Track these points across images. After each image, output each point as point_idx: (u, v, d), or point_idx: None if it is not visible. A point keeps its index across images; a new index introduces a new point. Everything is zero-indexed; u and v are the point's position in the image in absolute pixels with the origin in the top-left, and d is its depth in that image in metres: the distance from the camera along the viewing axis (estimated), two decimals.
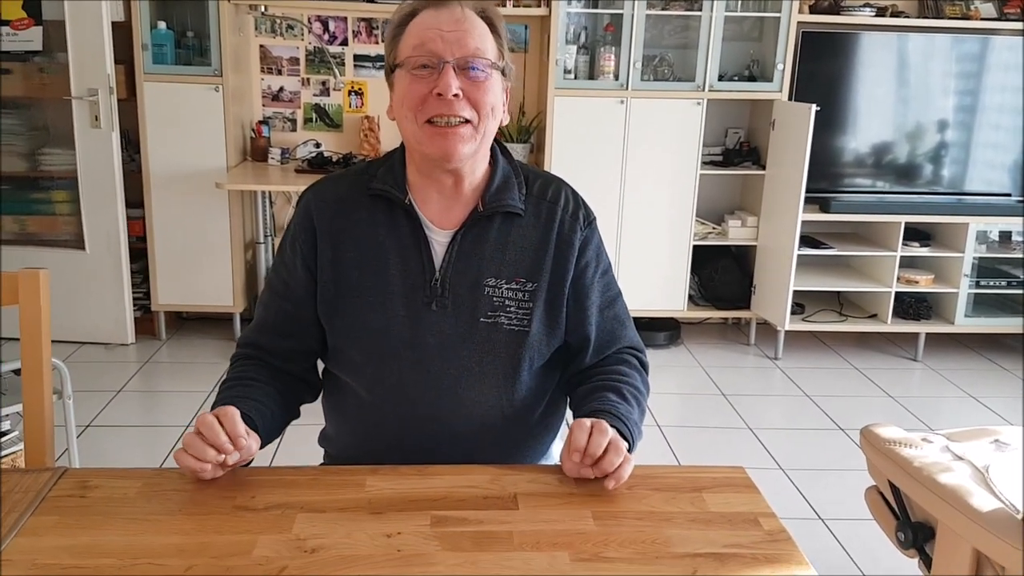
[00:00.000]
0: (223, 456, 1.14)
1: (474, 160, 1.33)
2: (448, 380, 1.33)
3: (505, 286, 1.34)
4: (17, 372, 2.30)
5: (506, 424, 1.38)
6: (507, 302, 1.34)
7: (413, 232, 1.34)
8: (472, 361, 1.33)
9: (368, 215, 1.35)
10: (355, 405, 1.40)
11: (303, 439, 1.70)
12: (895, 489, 1.82)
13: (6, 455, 2.24)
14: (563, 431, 1.49)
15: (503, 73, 1.32)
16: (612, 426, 1.25)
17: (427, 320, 1.32)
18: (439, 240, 1.34)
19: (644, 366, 1.46)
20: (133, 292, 3.90)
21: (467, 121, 1.27)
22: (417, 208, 1.35)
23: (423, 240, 1.34)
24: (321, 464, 1.52)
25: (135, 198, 3.85)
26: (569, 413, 1.45)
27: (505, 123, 1.36)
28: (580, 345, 1.42)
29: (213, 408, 1.30)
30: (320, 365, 1.47)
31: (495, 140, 1.38)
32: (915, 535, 1.77)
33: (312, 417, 1.52)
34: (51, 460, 1.43)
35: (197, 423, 1.16)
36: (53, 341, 1.44)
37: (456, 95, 1.24)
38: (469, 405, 1.35)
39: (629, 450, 1.28)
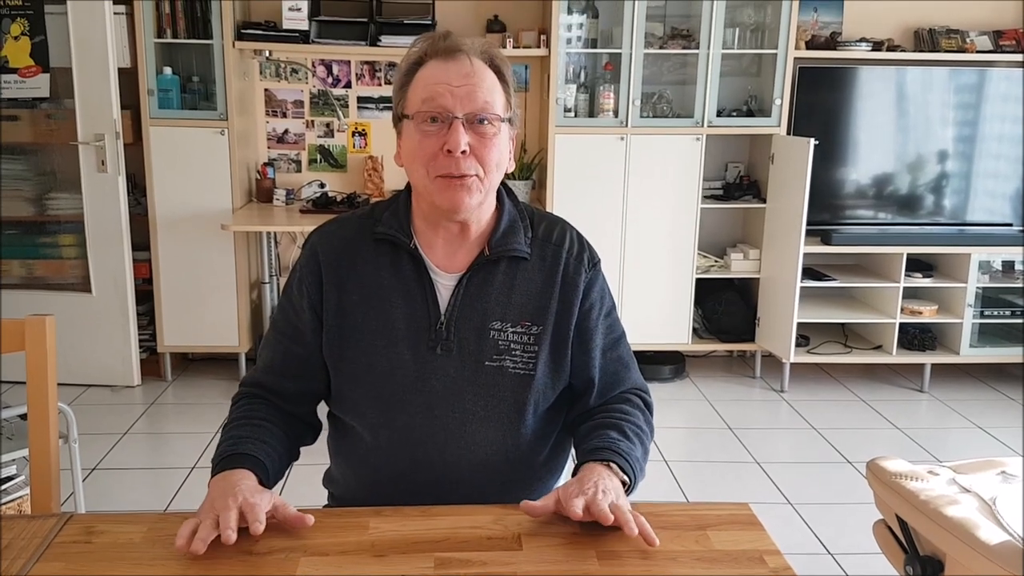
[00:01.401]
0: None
1: (480, 210, 1.34)
2: (453, 424, 1.33)
3: (511, 329, 1.34)
4: (23, 417, 2.31)
5: (511, 467, 1.38)
6: (512, 345, 1.34)
7: (418, 276, 1.35)
8: (477, 405, 1.33)
9: (373, 259, 1.35)
10: (360, 447, 1.40)
11: (307, 480, 1.70)
12: (903, 523, 1.81)
13: (12, 500, 2.24)
14: (568, 469, 1.49)
15: (510, 122, 1.32)
16: (613, 462, 1.25)
17: (432, 364, 1.33)
18: (444, 284, 1.35)
19: (648, 406, 1.45)
20: (139, 334, 3.91)
21: (474, 174, 1.28)
22: (422, 252, 1.35)
23: (428, 284, 1.34)
24: (325, 505, 1.52)
25: (141, 241, 3.89)
26: (574, 452, 1.45)
27: (510, 170, 1.37)
28: (584, 387, 1.42)
29: (221, 446, 1.28)
30: (322, 407, 1.47)
31: (500, 182, 1.39)
32: (924, 569, 1.76)
33: (316, 457, 1.52)
34: (57, 505, 1.43)
35: (221, 517, 1.10)
36: (59, 384, 1.45)
37: (465, 151, 1.25)
38: (474, 448, 1.35)
39: (631, 488, 1.28)
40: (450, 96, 1.25)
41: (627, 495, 1.27)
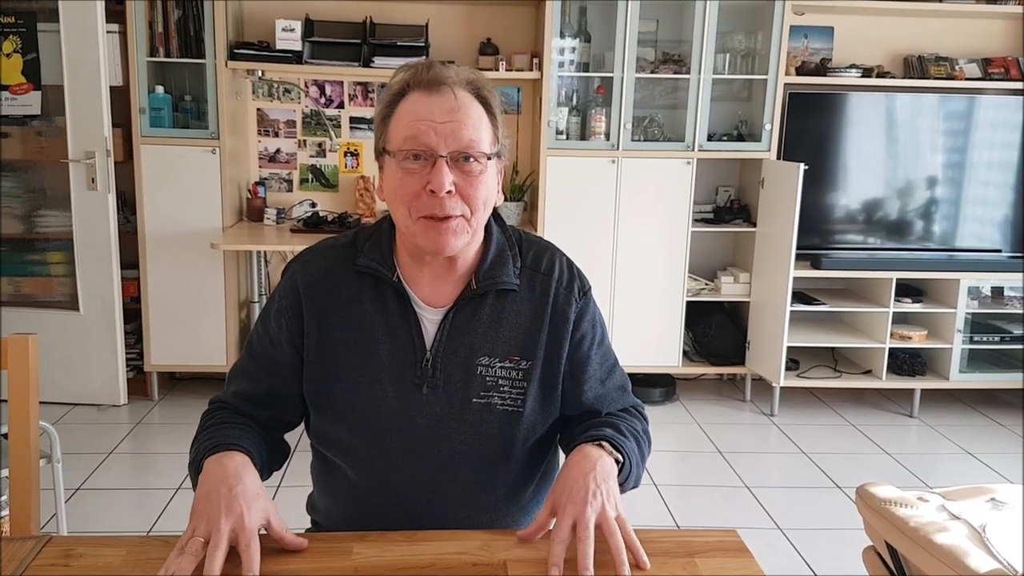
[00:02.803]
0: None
1: (474, 243, 1.29)
2: (439, 462, 1.30)
3: (498, 365, 1.29)
4: (5, 436, 2.29)
5: (498, 504, 1.35)
6: (500, 381, 1.29)
7: (402, 310, 1.29)
8: (464, 443, 1.30)
9: (356, 292, 1.30)
10: (343, 483, 1.36)
11: (291, 503, 1.68)
12: (892, 549, 1.80)
13: None
14: None
15: (498, 156, 1.27)
16: (604, 440, 1.23)
17: (417, 402, 1.28)
18: (430, 318, 1.30)
19: (644, 418, 1.42)
20: (126, 353, 3.89)
21: (460, 215, 1.22)
22: (406, 286, 1.30)
23: (413, 319, 1.29)
24: (308, 530, 1.49)
25: (130, 259, 3.87)
26: None
27: (499, 203, 1.31)
28: (583, 418, 1.37)
29: (205, 443, 1.21)
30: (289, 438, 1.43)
31: None
32: None
33: (299, 479, 1.50)
34: (36, 527, 1.41)
35: (208, 555, 1.05)
36: (45, 403, 1.44)
37: (449, 191, 1.19)
38: (460, 487, 1.32)
39: (626, 480, 1.25)
40: (433, 134, 1.19)
41: (623, 490, 1.24)
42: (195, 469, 1.21)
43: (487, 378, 1.29)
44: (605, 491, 1.15)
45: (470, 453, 1.30)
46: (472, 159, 1.21)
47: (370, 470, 1.32)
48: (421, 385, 1.28)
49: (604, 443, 1.23)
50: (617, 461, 1.23)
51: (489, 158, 1.24)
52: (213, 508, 1.09)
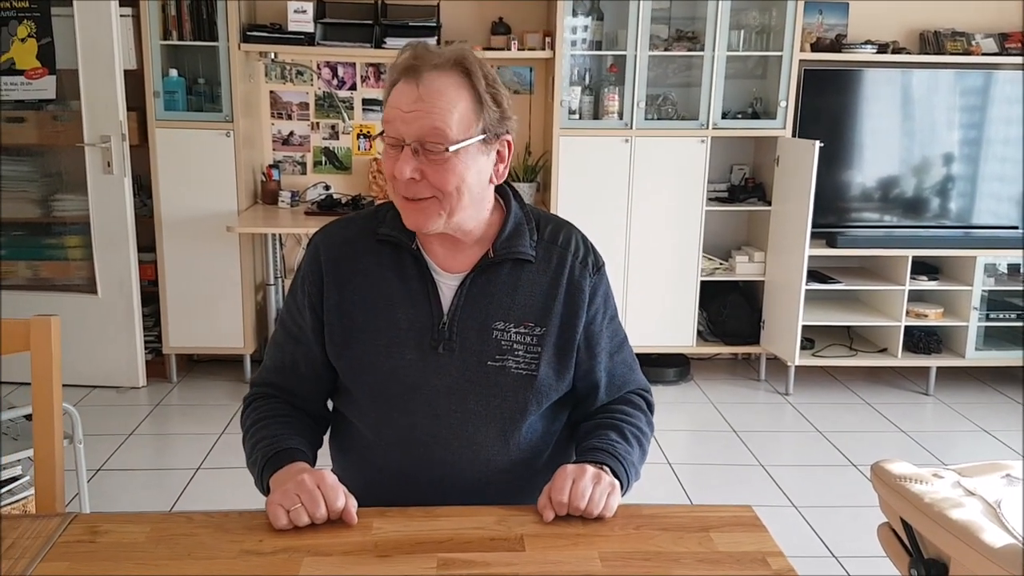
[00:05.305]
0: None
1: (459, 223, 1.31)
2: (455, 423, 1.34)
3: (513, 330, 1.34)
4: (28, 417, 2.32)
5: (513, 467, 1.38)
6: (515, 346, 1.34)
7: (421, 276, 1.35)
8: (479, 404, 1.34)
9: (376, 259, 1.36)
10: (361, 447, 1.41)
11: None
12: (907, 526, 1.80)
13: (17, 501, 2.24)
14: None
15: (485, 132, 1.26)
16: (607, 465, 1.28)
17: (435, 363, 1.33)
18: (448, 284, 1.36)
19: (650, 406, 1.47)
20: (144, 335, 3.92)
21: (431, 196, 1.26)
22: (425, 253, 1.36)
23: (431, 284, 1.35)
24: None
25: (147, 242, 3.90)
26: None
27: (500, 181, 1.34)
28: (589, 391, 1.43)
29: (260, 445, 1.32)
30: (330, 404, 1.49)
31: (507, 185, 1.39)
32: (928, 572, 1.75)
33: (319, 458, 1.52)
34: (61, 505, 1.44)
35: (296, 487, 1.18)
36: (64, 385, 1.46)
37: (413, 178, 1.24)
38: (475, 448, 1.35)
39: (624, 490, 1.30)
40: (400, 122, 1.24)
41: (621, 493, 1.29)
42: (258, 476, 1.32)
43: (502, 342, 1.34)
44: (608, 482, 1.24)
45: (485, 415, 1.34)
46: (433, 149, 1.23)
47: (389, 431, 1.36)
48: (437, 346, 1.33)
49: (605, 467, 1.29)
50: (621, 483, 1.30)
51: (460, 142, 1.23)
52: (292, 487, 1.19)
